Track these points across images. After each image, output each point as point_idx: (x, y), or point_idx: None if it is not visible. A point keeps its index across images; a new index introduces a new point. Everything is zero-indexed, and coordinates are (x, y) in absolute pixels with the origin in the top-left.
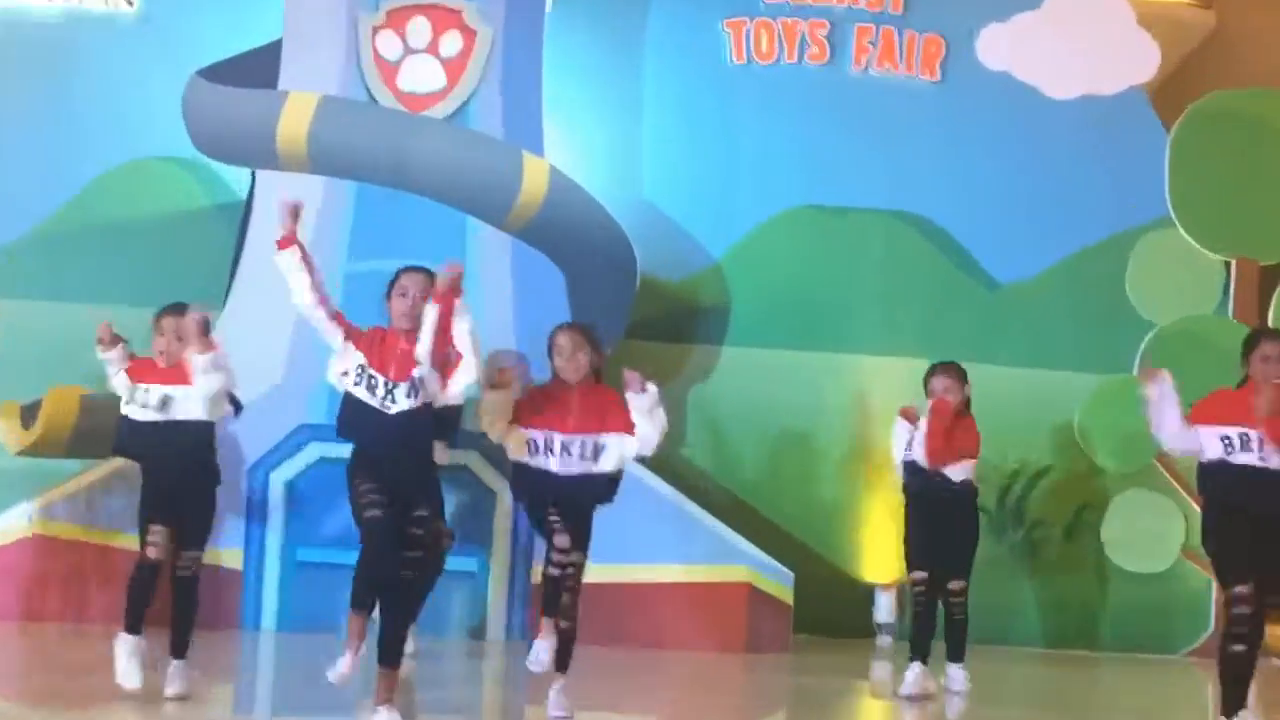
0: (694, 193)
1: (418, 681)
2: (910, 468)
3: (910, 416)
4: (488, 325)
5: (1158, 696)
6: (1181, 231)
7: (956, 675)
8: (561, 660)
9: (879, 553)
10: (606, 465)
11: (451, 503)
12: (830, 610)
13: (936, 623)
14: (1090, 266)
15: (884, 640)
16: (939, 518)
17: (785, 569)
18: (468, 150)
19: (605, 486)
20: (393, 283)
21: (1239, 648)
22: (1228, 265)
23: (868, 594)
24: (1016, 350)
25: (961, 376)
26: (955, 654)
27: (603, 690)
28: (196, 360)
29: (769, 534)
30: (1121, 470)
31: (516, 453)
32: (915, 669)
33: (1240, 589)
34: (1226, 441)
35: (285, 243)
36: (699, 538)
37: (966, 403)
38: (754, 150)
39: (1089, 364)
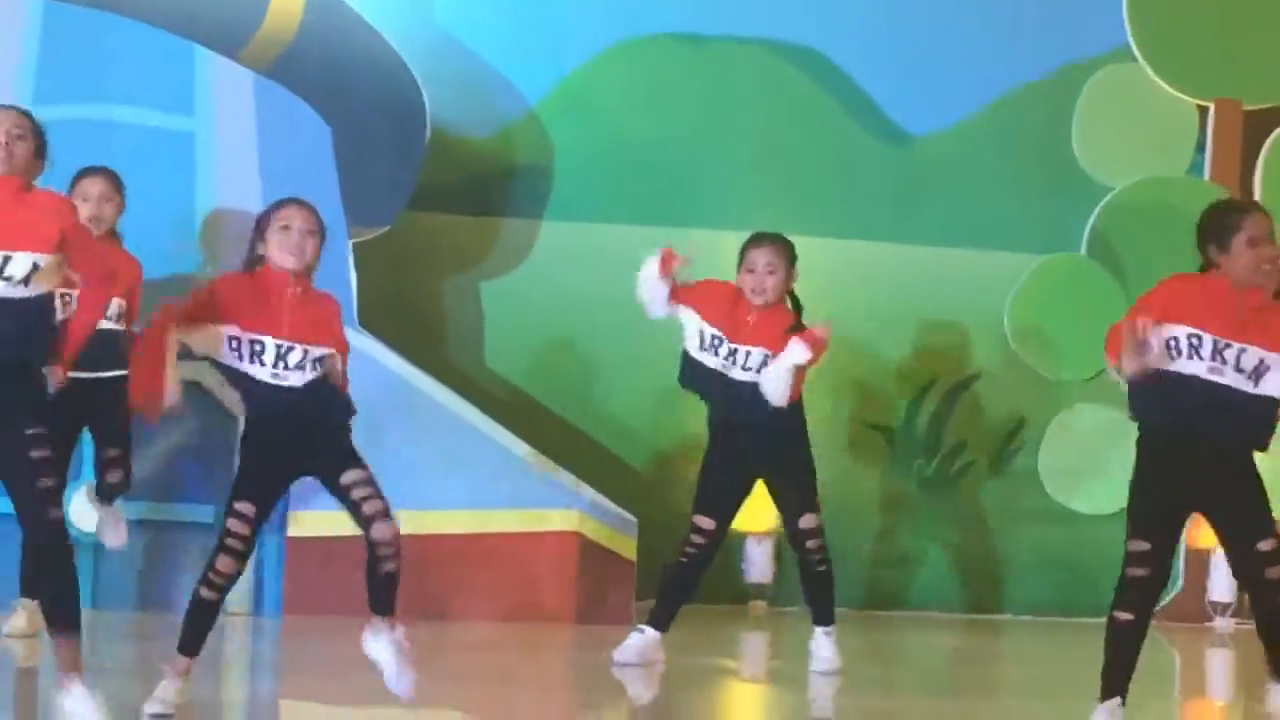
0: (504, 18)
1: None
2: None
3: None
4: (223, 196)
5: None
6: (1144, 66)
7: (824, 648)
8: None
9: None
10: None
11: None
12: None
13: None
14: (1027, 113)
15: (756, 606)
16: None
17: (627, 514)
18: None
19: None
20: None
21: (1125, 616)
22: (1204, 111)
23: (736, 547)
24: (932, 224)
25: (791, 255)
26: (824, 616)
27: (376, 676)
28: None
29: (606, 469)
30: (1066, 379)
31: None
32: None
33: (1140, 545)
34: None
35: None
36: (510, 474)
37: (791, 294)
38: None
39: (1025, 241)
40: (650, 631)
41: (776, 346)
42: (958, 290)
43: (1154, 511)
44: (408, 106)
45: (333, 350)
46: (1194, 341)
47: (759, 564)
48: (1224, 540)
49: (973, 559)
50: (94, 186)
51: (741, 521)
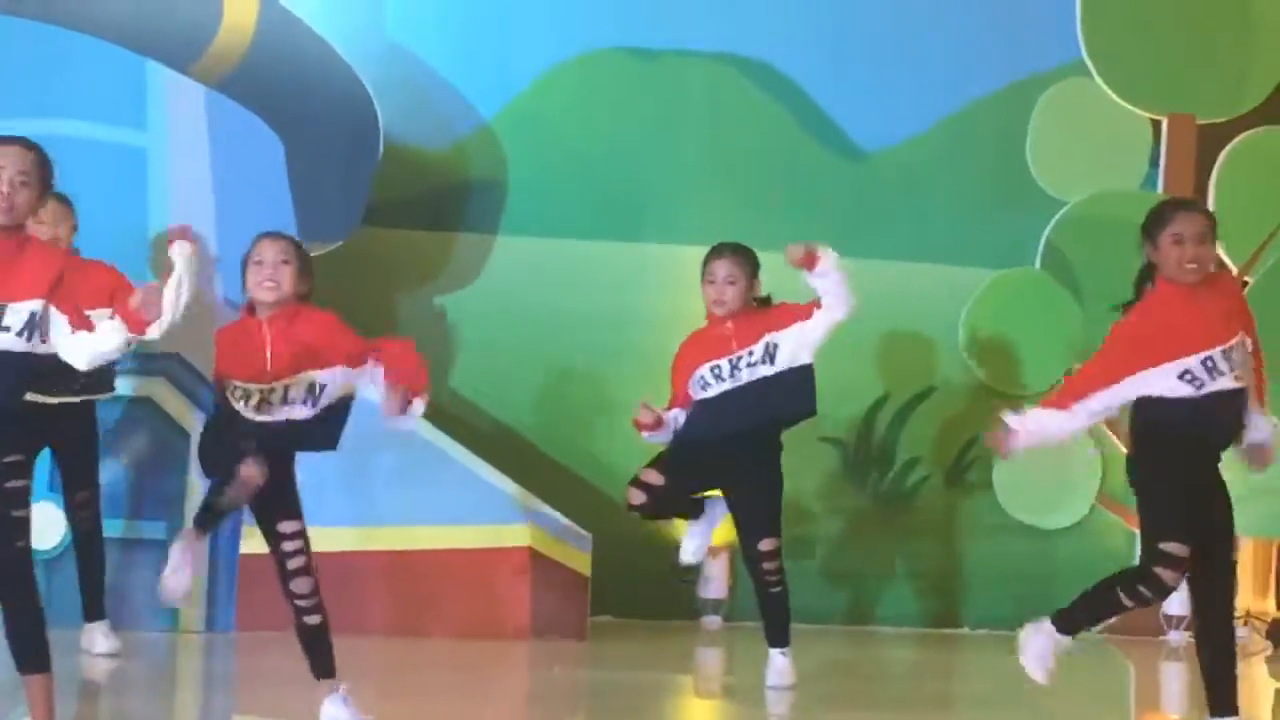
0: (458, 31)
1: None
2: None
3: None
4: (176, 212)
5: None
6: (1098, 81)
7: (780, 665)
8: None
9: None
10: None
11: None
12: (640, 584)
13: None
14: (981, 127)
15: (711, 621)
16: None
17: (580, 529)
18: None
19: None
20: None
21: (1130, 604)
22: (1157, 125)
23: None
24: (886, 238)
25: (752, 265)
26: (778, 637)
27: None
28: None
29: (559, 483)
30: (1020, 394)
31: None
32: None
33: (1177, 549)
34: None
35: None
36: (464, 488)
37: (759, 300)
38: None
39: (980, 255)
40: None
41: (769, 329)
42: (912, 304)
43: (1186, 511)
44: (361, 120)
45: (336, 367)
46: (1207, 364)
47: (715, 580)
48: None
49: (929, 573)
50: (48, 209)
51: None
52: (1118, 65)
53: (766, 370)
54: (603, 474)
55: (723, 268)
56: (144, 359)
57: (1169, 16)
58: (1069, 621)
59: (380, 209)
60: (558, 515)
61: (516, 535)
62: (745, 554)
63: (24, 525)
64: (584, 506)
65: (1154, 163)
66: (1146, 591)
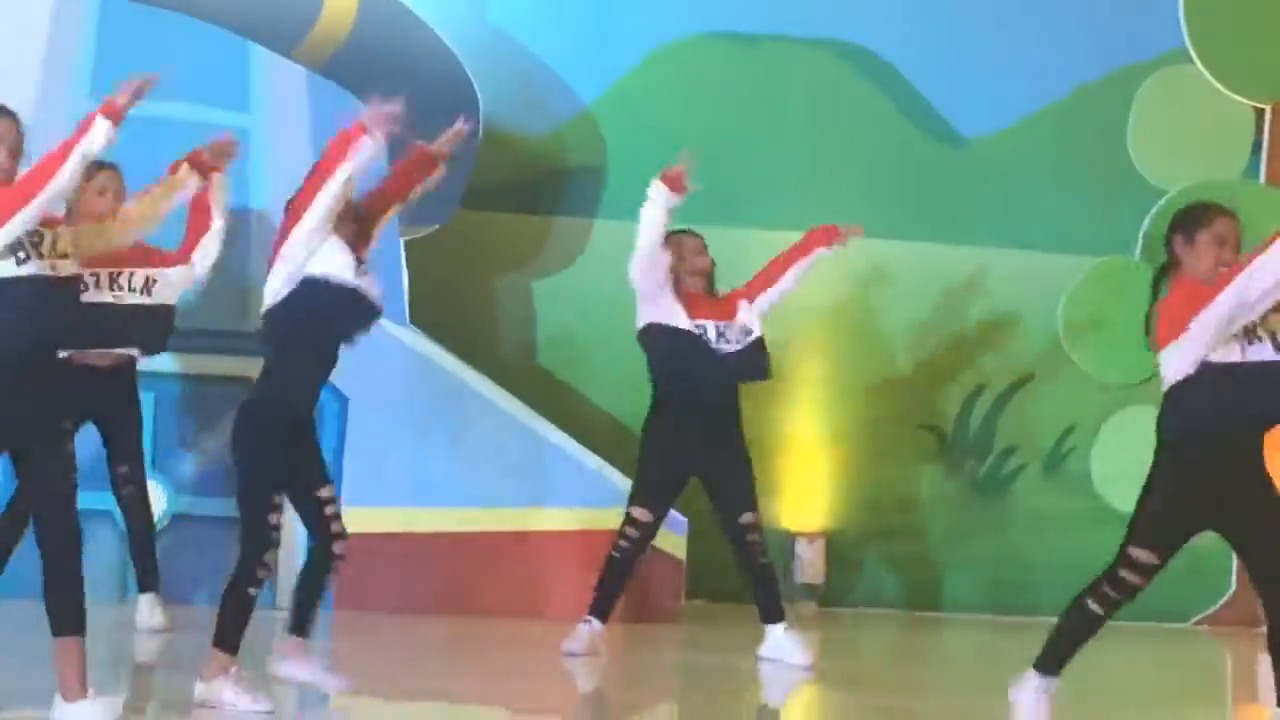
0: (559, 17)
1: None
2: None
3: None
4: (277, 193)
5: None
6: (1201, 68)
7: (791, 641)
8: None
9: (801, 493)
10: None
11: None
12: (735, 568)
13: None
14: (1082, 115)
15: (807, 607)
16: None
17: (677, 514)
18: None
19: None
20: None
21: (1097, 610)
22: (1260, 113)
23: (786, 547)
24: (985, 225)
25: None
26: (778, 611)
27: (429, 670)
28: None
29: None
30: (1120, 382)
31: None
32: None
33: (1149, 558)
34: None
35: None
36: (560, 473)
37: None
38: None
39: (1080, 243)
40: (596, 623)
41: (738, 315)
42: (1010, 291)
43: (1176, 529)
44: (461, 104)
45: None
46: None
47: (810, 565)
48: (1244, 554)
49: (1026, 562)
50: (114, 180)
51: (792, 522)
52: (1220, 53)
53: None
54: None
55: (690, 240)
56: (240, 337)
57: (1271, 4)
58: (1050, 661)
59: (479, 193)
60: None
61: (611, 519)
62: (731, 531)
63: (76, 490)
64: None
65: (1256, 150)
66: (1113, 593)
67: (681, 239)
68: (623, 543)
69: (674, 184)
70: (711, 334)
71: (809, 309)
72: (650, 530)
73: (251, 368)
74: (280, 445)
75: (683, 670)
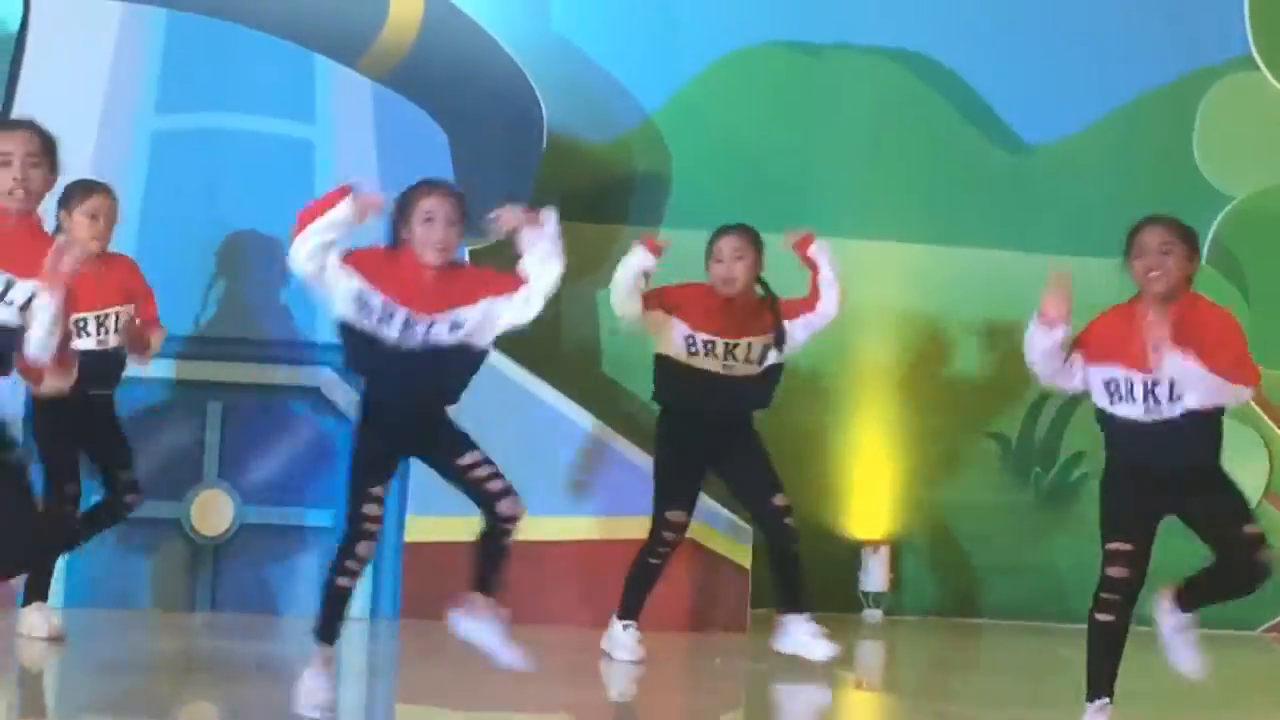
0: (622, 25)
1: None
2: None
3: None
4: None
5: (1222, 681)
6: (1267, 74)
7: (814, 635)
8: None
9: (869, 500)
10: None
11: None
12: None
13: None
14: (1147, 121)
15: (873, 615)
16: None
17: (742, 522)
18: None
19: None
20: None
21: (1106, 617)
22: None
23: (852, 555)
24: (1049, 232)
25: (757, 242)
26: (802, 601)
27: (497, 679)
28: None
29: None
30: None
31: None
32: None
33: (1120, 545)
34: (1111, 387)
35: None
36: (624, 480)
37: (762, 282)
38: None
39: None
40: (633, 626)
41: (767, 331)
42: (1075, 298)
43: (1131, 512)
44: (525, 114)
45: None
46: (1125, 385)
47: (875, 573)
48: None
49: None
50: (105, 205)
51: (859, 529)
52: None
53: (757, 368)
54: None
55: (729, 244)
56: (308, 348)
57: None
58: (1099, 684)
59: (543, 201)
60: (718, 507)
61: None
62: (763, 515)
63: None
64: None
65: None
66: (1107, 595)
67: (720, 242)
68: (662, 549)
69: (652, 247)
70: (719, 350)
71: (873, 316)
72: (685, 530)
73: (315, 378)
74: (378, 443)
75: (752, 678)
